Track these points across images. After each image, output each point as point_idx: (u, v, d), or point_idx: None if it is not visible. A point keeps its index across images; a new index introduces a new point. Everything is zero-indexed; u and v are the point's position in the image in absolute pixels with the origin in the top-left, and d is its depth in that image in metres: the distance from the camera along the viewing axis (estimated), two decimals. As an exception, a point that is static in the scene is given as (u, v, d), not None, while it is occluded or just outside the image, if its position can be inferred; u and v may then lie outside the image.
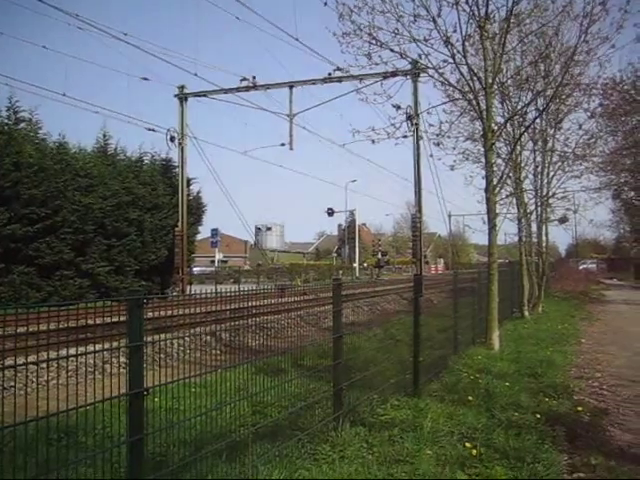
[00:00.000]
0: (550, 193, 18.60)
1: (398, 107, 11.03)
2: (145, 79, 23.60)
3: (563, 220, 21.50)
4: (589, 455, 5.02)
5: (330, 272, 49.66)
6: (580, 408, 6.49)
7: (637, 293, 31.36)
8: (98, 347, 5.23)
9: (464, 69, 10.19)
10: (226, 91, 25.64)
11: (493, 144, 10.78)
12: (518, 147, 15.11)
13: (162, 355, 5.77)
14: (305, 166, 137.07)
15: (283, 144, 25.19)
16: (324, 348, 5.72)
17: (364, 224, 78.95)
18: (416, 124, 21.55)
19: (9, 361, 7.47)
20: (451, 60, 10.06)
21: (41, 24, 44.96)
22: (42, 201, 19.66)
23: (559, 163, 18.19)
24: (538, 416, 5.89)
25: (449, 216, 60.69)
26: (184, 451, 3.85)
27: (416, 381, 6.85)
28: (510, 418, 5.79)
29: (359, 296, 21.91)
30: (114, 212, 22.50)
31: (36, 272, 19.41)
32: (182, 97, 26.55)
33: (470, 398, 6.52)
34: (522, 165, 16.93)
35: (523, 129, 13.79)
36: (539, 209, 19.10)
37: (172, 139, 25.36)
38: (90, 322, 3.43)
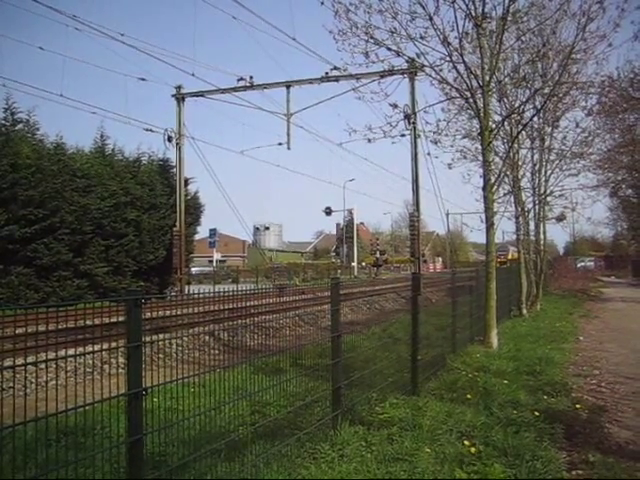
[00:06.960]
0: (548, 191, 18.66)
1: (395, 106, 11.02)
2: (142, 79, 23.65)
3: (561, 218, 21.57)
4: (587, 452, 5.04)
5: (328, 271, 49.64)
6: (578, 405, 6.52)
7: (635, 290, 31.37)
8: (97, 347, 5.23)
9: (461, 67, 10.20)
10: (223, 91, 25.62)
11: (490, 142, 10.78)
12: (516, 145, 15.12)
13: (161, 355, 5.78)
14: (303, 165, 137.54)
15: (280, 143, 25.27)
16: (323, 347, 5.73)
17: (362, 223, 78.99)
18: (413, 122, 21.51)
19: (8, 362, 7.48)
20: (448, 58, 10.06)
21: (38, 25, 44.81)
22: (40, 202, 19.62)
23: (557, 161, 18.22)
24: (536, 414, 5.90)
25: (447, 215, 60.44)
26: (183, 451, 3.85)
27: (415, 380, 6.86)
28: (509, 416, 5.80)
29: (357, 295, 22.03)
30: (112, 213, 22.47)
31: (34, 273, 19.39)
32: (179, 97, 26.50)
33: (469, 396, 6.53)
34: (520, 163, 16.97)
35: (521, 127, 13.77)
36: (537, 207, 19.15)
37: (169, 139, 25.35)
38: (88, 323, 3.43)
